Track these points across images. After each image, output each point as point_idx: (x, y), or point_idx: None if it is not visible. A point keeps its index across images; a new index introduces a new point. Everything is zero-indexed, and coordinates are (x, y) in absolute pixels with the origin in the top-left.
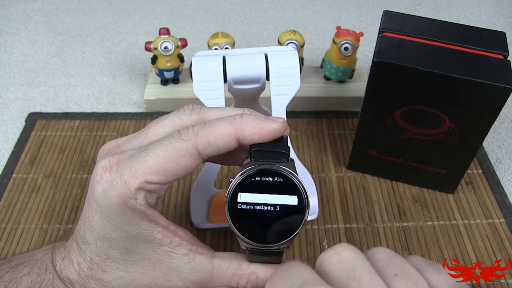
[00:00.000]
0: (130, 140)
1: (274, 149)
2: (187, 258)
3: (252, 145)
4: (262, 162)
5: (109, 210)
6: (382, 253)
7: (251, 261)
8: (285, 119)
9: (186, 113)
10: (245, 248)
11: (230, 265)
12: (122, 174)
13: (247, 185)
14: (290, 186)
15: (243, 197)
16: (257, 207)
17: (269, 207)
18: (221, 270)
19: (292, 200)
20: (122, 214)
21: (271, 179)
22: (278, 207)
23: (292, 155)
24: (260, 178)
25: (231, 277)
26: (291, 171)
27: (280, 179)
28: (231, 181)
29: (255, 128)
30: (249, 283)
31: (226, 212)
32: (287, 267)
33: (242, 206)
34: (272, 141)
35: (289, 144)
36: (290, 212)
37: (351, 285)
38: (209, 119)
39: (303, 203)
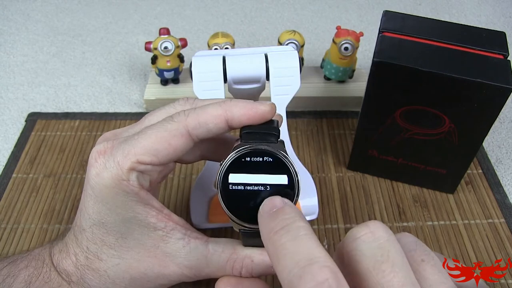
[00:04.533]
0: (127, 129)
1: (264, 130)
2: (182, 242)
3: (243, 128)
4: (252, 143)
5: (103, 193)
6: (408, 238)
7: (245, 245)
8: (275, 104)
9: (180, 103)
10: (238, 231)
11: (224, 249)
12: (115, 156)
13: (237, 166)
14: (280, 166)
15: (233, 178)
16: (248, 188)
17: (259, 187)
18: (216, 255)
19: (282, 179)
20: (115, 197)
21: (260, 159)
22: (268, 186)
23: (292, 155)
24: (250, 159)
25: (226, 261)
26: (280, 151)
27: (269, 158)
28: (222, 163)
29: (243, 109)
30: (244, 267)
31: (218, 194)
32: (294, 239)
33: (233, 187)
34: (262, 124)
35: (281, 128)
36: (280, 191)
37: (384, 266)
38: None
39: (293, 182)
